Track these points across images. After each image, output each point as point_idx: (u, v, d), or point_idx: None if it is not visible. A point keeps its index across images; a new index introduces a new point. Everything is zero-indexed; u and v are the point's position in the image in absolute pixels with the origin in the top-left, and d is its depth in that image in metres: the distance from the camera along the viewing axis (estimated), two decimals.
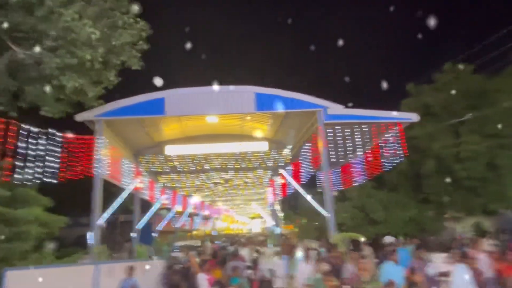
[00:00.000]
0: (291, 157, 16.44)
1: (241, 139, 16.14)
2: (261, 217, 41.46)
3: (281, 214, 21.40)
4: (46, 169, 8.41)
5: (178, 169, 18.57)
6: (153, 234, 19.24)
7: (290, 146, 16.30)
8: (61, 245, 14.77)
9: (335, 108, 11.57)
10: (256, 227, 47.36)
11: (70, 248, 15.69)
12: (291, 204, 29.92)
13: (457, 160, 15.00)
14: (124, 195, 12.07)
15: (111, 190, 13.12)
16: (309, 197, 12.47)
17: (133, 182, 13.61)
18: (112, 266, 7.08)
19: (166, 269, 7.35)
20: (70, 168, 9.00)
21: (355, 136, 12.16)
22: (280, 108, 11.44)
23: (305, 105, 11.67)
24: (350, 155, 12.79)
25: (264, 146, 16.17)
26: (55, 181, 8.61)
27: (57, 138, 8.85)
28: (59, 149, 8.84)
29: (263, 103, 11.57)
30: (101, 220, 10.09)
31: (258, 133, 15.50)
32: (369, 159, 12.61)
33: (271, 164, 17.64)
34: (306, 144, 13.39)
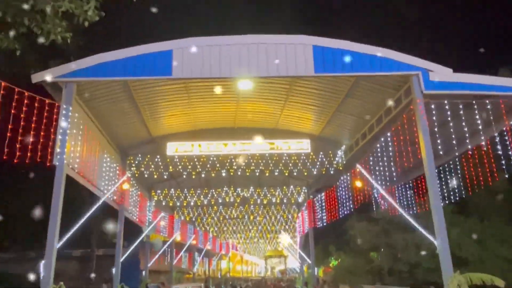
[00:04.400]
0: (344, 162, 15.21)
1: (272, 135, 14.91)
2: (282, 255, 38.32)
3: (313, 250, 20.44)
4: None
5: (181, 178, 18.72)
6: (141, 272, 19.10)
7: (345, 145, 14.95)
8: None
9: (441, 72, 9.54)
10: (273, 266, 44.10)
11: None
12: (330, 234, 27.28)
13: None
14: (98, 204, 10.90)
15: (81, 198, 10.98)
16: (403, 211, 9.53)
17: (115, 190, 12.84)
18: None
19: None
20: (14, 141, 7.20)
21: (472, 118, 9.41)
22: (351, 70, 9.67)
23: (392, 66, 9.64)
24: (461, 148, 9.80)
25: (304, 146, 14.62)
26: None
27: None
28: None
29: (326, 62, 9.71)
30: (58, 244, 8.35)
31: (294, 126, 14.67)
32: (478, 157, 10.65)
33: (314, 173, 16.64)
34: (386, 134, 11.12)
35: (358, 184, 13.38)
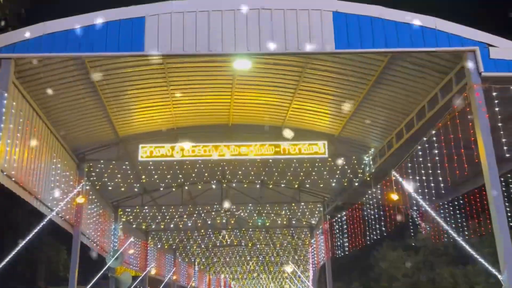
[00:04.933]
0: (372, 171, 15.05)
1: (277, 135, 15.18)
2: None
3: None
4: None
5: (157, 193, 19.05)
6: None
7: (373, 149, 14.95)
8: None
9: (507, 48, 9.31)
10: None
11: None
12: (354, 267, 27.68)
13: None
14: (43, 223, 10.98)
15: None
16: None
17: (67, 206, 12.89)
18: None
19: None
20: None
21: None
22: (384, 46, 9.41)
23: (440, 39, 9.37)
24: None
25: (320, 150, 14.61)
26: None
27: None
28: None
29: (351, 35, 9.45)
30: None
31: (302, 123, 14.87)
32: None
33: (332, 186, 16.86)
34: (430, 133, 10.86)
35: (393, 198, 13.25)
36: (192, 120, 15.12)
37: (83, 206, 14.44)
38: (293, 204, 21.37)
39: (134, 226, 21.39)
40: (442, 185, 11.45)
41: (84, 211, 14.61)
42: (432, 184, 11.83)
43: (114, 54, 9.46)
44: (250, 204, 21.55)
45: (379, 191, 14.75)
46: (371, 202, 15.42)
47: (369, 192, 15.39)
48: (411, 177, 12.28)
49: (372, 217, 15.51)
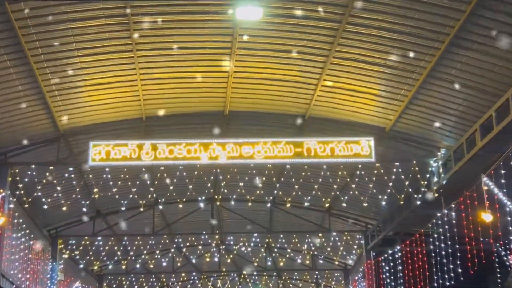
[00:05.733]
0: (444, 183, 15.15)
1: (298, 130, 15.96)
2: None
3: None
4: None
5: (116, 215, 19.86)
6: None
7: (445, 150, 15.23)
8: None
9: None
10: None
11: None
12: None
13: None
14: None
15: None
16: None
17: None
18: None
19: None
20: None
21: None
22: None
23: None
24: None
25: (362, 150, 15.12)
26: None
27: None
28: None
29: None
30: None
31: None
32: None
33: (382, 206, 17.61)
34: None
35: (485, 219, 13.31)
36: (169, 105, 15.45)
37: (2, 231, 14.47)
38: (320, 235, 21.49)
39: (81, 266, 21.49)
40: None
41: (4, 241, 14.64)
42: None
43: None
44: (256, 234, 21.69)
45: (453, 213, 14.83)
46: (440, 230, 15.41)
47: (438, 214, 15.42)
48: (505, 190, 12.39)
49: (443, 253, 15.50)
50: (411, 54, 12.44)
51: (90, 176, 15.76)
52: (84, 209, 17.20)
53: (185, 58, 13.45)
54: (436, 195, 15.27)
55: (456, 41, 11.68)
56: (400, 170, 15.66)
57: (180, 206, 18.70)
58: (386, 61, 13.01)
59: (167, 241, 22.05)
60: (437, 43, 11.92)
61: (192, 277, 25.99)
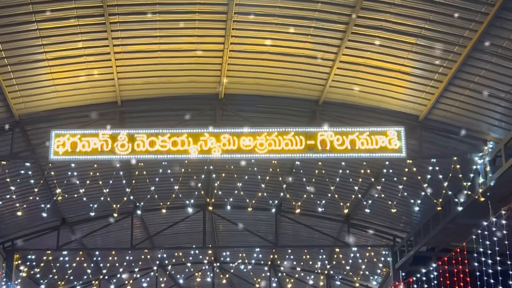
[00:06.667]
0: (492, 184, 15.07)
1: (310, 118, 16.78)
2: None
3: None
4: None
5: (87, 224, 20.52)
6: None
7: (493, 143, 15.38)
8: None
9: None
10: None
11: None
12: None
13: None
14: None
15: None
16: None
17: None
18: None
19: None
20: None
21: None
22: None
23: None
24: None
25: (390, 143, 15.38)
26: None
27: None
28: None
29: None
30: None
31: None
32: None
33: (414, 213, 18.27)
34: None
35: None
36: (150, 86, 15.88)
37: None
38: (337, 250, 21.71)
39: (42, 287, 21.72)
40: None
41: None
42: None
43: None
44: (257, 249, 21.90)
45: (503, 222, 14.97)
46: (487, 243, 15.46)
47: (484, 224, 15.64)
48: None
49: (490, 271, 15.67)
50: (456, 17, 12.06)
51: (52, 173, 15.79)
52: (45, 215, 17.13)
53: (170, 26, 13.44)
54: (483, 199, 15.10)
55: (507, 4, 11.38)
56: (437, 168, 15.68)
57: (164, 212, 18.54)
58: (422, 30, 12.82)
59: (149, 257, 22.14)
60: (486, 6, 11.66)
61: None
